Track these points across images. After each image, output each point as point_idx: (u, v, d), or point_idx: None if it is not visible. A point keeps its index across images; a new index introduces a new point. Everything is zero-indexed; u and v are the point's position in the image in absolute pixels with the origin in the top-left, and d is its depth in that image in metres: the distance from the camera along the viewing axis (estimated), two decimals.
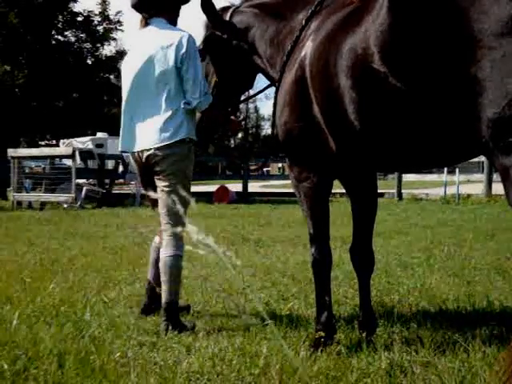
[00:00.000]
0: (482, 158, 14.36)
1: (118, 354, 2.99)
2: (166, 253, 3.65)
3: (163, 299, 3.62)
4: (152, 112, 3.65)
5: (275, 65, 3.42)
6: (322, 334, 3.08)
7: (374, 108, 2.63)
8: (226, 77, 3.71)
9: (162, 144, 3.61)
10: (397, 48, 2.45)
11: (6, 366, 2.75)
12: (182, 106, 3.61)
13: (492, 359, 2.80)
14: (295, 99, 3.05)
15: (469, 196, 15.96)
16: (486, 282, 4.78)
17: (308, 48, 2.99)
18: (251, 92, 4.40)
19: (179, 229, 3.22)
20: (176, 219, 3.62)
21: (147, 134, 3.66)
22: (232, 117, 3.89)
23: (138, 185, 15.09)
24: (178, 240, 3.64)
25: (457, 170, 16.01)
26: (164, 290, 3.62)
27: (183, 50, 3.60)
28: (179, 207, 2.93)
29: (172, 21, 3.81)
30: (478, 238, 7.59)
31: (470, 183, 19.01)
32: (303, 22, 3.17)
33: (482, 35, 2.16)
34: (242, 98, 4.06)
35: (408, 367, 2.78)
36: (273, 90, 3.42)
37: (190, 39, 3.65)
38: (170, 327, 3.49)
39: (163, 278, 3.63)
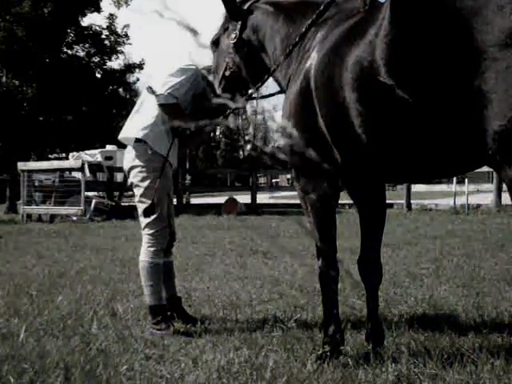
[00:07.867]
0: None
1: (124, 367, 2.98)
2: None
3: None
4: None
5: (281, 69, 3.35)
6: (329, 345, 3.06)
7: (381, 121, 2.60)
8: (239, 71, 3.63)
9: None
10: (402, 60, 2.42)
11: (12, 380, 2.75)
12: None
13: (501, 371, 2.77)
14: (300, 110, 3.02)
15: (478, 206, 15.86)
16: (496, 292, 4.74)
17: (313, 59, 2.96)
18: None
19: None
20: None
21: None
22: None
23: None
24: (146, 247, 3.86)
25: (466, 180, 15.93)
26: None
27: None
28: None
29: None
30: (487, 249, 7.54)
31: (480, 193, 18.92)
32: (302, 30, 3.14)
33: (485, 46, 2.13)
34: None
35: (416, 379, 2.75)
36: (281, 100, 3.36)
37: None
38: (150, 327, 3.78)
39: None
